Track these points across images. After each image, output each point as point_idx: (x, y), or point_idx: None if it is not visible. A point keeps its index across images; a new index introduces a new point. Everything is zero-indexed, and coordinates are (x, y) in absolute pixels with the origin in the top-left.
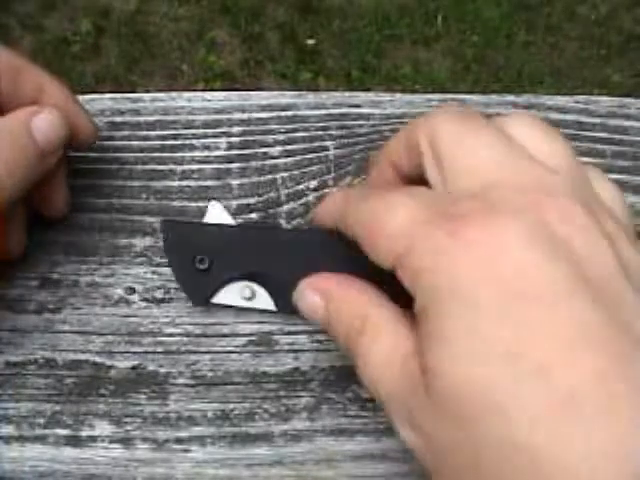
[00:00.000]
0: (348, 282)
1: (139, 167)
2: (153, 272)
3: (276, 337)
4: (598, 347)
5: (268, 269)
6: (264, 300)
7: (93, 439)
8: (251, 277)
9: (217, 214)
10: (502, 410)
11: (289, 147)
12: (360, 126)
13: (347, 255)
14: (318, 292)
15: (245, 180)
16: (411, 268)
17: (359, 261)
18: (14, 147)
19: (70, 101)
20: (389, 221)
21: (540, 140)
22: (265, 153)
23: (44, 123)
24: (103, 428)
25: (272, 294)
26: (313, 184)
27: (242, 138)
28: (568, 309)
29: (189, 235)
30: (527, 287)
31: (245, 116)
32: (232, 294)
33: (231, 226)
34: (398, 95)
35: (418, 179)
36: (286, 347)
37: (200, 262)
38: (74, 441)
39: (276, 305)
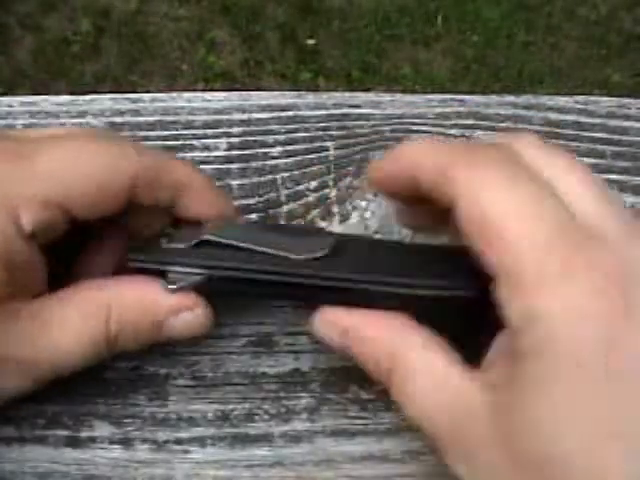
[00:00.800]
0: (368, 317)
1: None
2: None
3: (276, 338)
4: None
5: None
6: None
7: (93, 440)
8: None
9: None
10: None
11: (289, 147)
12: (360, 126)
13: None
14: (335, 331)
15: (245, 180)
16: (530, 304)
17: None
18: (134, 340)
19: (211, 194)
20: (522, 229)
21: (589, 199)
22: (265, 153)
23: (182, 326)
24: (103, 429)
25: None
26: (313, 184)
27: (242, 138)
28: None
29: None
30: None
31: (245, 116)
32: None
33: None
34: (398, 95)
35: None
36: (286, 348)
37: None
38: (74, 442)
39: None
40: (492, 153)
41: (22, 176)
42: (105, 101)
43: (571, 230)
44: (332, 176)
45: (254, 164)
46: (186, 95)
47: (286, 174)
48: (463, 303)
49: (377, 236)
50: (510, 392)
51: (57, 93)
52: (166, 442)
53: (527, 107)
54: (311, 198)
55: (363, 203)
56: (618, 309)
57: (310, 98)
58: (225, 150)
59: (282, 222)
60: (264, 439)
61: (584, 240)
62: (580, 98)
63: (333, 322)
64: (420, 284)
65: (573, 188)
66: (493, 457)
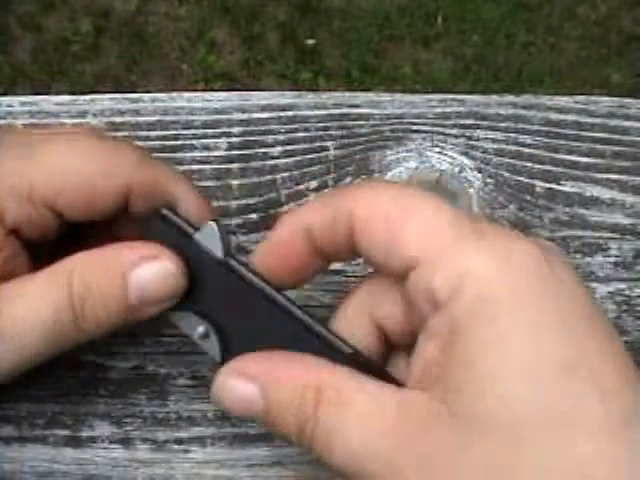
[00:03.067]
0: (284, 357)
1: None
2: None
3: None
4: None
5: (227, 320)
6: (213, 346)
7: (93, 439)
8: (206, 318)
9: (208, 237)
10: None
11: (289, 147)
12: (360, 126)
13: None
14: (251, 380)
15: (245, 180)
16: (454, 267)
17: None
18: (101, 304)
19: (203, 212)
20: (423, 215)
21: None
22: (265, 153)
23: (149, 277)
24: (103, 428)
25: (221, 344)
26: (313, 184)
27: (242, 138)
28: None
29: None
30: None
31: (245, 116)
32: (187, 322)
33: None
34: (398, 95)
35: (333, 254)
36: None
37: None
38: (74, 441)
39: (221, 358)
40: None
41: (18, 170)
42: (105, 101)
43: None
44: (332, 176)
45: (254, 164)
46: (186, 95)
47: (286, 174)
48: None
49: None
50: (449, 364)
51: (57, 93)
52: (166, 442)
53: (527, 107)
54: (311, 198)
55: None
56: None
57: (310, 98)
58: (225, 150)
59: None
60: (264, 439)
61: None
62: (580, 98)
63: (246, 369)
64: None
65: None
66: (455, 456)
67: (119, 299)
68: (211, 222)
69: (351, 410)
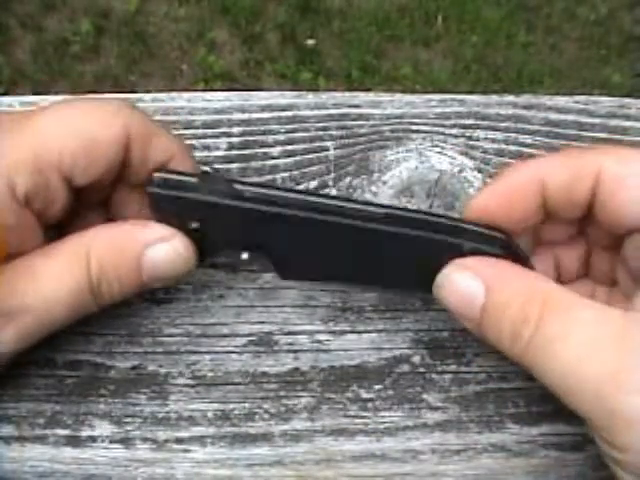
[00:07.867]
0: (504, 263)
1: None
2: None
3: (276, 337)
4: None
5: (269, 242)
6: (263, 262)
7: (93, 439)
8: (249, 248)
9: (212, 182)
10: None
11: (289, 147)
12: (360, 126)
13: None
14: (478, 276)
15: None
16: None
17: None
18: (117, 283)
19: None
20: None
21: None
22: (265, 153)
23: (161, 258)
24: (103, 428)
25: (273, 261)
26: (313, 184)
27: (242, 138)
28: None
29: (182, 203)
30: None
31: (245, 116)
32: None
33: (229, 194)
34: (398, 95)
35: (561, 210)
36: (286, 347)
37: (193, 230)
38: (74, 441)
39: (278, 271)
40: None
41: (19, 142)
42: None
43: None
44: (332, 176)
45: (254, 164)
46: (186, 95)
47: (286, 174)
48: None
49: None
50: None
51: (57, 93)
52: (166, 441)
53: (527, 107)
54: None
55: None
56: None
57: (310, 98)
58: (225, 150)
59: None
60: (264, 438)
61: None
62: (580, 98)
63: (473, 266)
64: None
65: None
66: None
67: (133, 278)
68: (206, 169)
69: (578, 318)
